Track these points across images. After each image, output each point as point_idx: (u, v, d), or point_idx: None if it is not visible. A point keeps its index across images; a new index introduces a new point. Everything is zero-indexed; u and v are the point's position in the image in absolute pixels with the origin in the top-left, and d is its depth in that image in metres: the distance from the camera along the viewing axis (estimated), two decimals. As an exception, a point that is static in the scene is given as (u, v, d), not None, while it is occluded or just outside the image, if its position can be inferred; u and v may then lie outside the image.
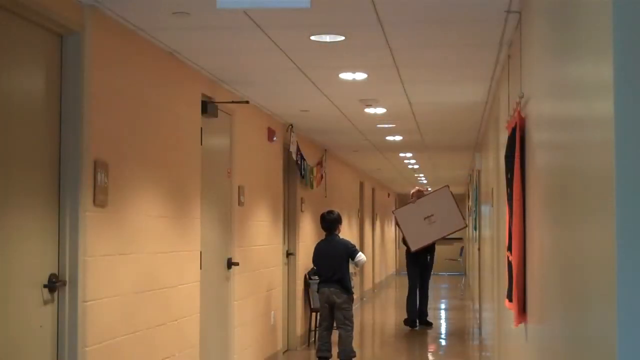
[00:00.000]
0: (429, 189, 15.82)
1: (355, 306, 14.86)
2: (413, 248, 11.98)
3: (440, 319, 14.81)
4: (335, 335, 8.79)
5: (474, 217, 14.40)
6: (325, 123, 9.69)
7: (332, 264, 8.83)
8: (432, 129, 10.40)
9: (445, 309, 16.41)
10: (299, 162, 9.88)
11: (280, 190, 9.38)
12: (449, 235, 12.24)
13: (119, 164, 4.83)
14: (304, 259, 10.35)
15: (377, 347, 10.51)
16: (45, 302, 4.19)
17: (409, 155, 14.31)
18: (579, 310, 2.41)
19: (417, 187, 13.04)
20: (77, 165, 4.36)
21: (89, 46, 4.44)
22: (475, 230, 13.50)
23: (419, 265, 12.61)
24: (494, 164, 7.36)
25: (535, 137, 3.74)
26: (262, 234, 8.39)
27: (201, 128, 6.39)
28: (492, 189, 7.75)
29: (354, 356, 8.77)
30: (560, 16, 2.87)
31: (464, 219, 12.51)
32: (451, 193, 12.12)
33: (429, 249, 12.65)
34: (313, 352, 9.71)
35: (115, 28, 4.82)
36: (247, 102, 7.36)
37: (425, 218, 11.79)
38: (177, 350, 5.79)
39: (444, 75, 6.86)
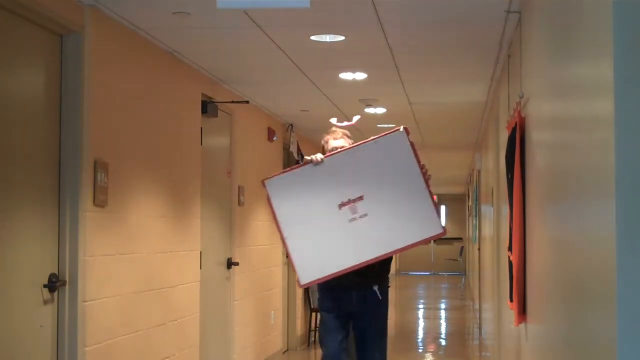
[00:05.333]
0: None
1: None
2: (303, 280, 4.73)
3: (440, 318, 14.81)
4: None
5: (474, 216, 14.41)
6: (325, 123, 9.68)
7: None
8: (432, 129, 10.39)
9: (445, 309, 16.41)
10: (300, 161, 9.88)
11: (280, 190, 9.36)
12: (403, 251, 4.80)
13: (119, 164, 4.83)
14: (304, 259, 10.34)
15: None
16: (45, 302, 4.19)
17: (409, 155, 14.29)
18: (579, 310, 2.41)
19: (335, 128, 5.20)
20: (77, 165, 4.36)
21: (89, 46, 4.44)
22: (476, 230, 13.50)
23: (346, 318, 4.97)
24: (494, 164, 7.36)
25: (535, 137, 3.74)
26: (262, 234, 8.39)
27: (201, 128, 6.39)
28: (492, 189, 7.75)
29: None
30: (560, 16, 2.87)
31: (438, 216, 4.74)
32: (412, 147, 4.74)
33: (364, 275, 4.84)
34: (313, 352, 9.72)
35: (115, 28, 4.81)
36: (247, 102, 7.37)
37: (342, 205, 4.68)
38: (177, 350, 5.79)
39: (444, 75, 6.86)
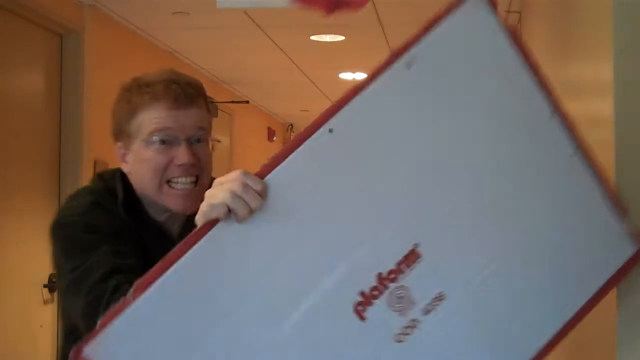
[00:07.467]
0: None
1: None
2: None
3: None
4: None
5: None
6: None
7: None
8: (432, 129, 10.40)
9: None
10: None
11: (280, 190, 9.37)
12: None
13: (119, 164, 4.82)
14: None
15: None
16: (45, 302, 4.19)
17: (408, 155, 14.32)
18: (578, 310, 2.41)
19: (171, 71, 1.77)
20: (77, 165, 4.36)
21: (89, 46, 4.45)
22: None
23: None
24: (493, 164, 7.36)
25: (535, 137, 3.73)
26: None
27: (201, 128, 6.39)
28: (492, 189, 7.74)
29: None
30: (560, 16, 2.88)
31: (620, 214, 1.48)
32: (517, 43, 1.43)
33: None
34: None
35: (115, 28, 4.82)
36: (247, 102, 7.37)
37: (362, 304, 1.22)
38: (177, 350, 5.78)
39: (443, 75, 6.86)
